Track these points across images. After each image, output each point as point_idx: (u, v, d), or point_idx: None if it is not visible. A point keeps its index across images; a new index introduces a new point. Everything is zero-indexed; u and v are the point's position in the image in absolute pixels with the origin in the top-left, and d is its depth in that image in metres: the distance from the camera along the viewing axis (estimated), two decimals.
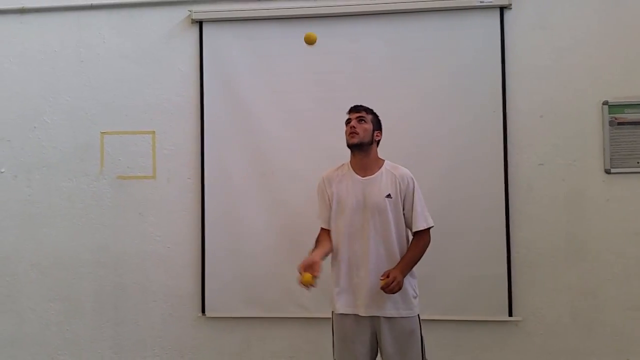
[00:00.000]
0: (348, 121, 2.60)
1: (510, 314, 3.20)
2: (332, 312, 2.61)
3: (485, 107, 3.23)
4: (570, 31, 3.24)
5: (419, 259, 2.55)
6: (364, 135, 2.54)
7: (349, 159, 2.66)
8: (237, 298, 3.38)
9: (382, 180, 2.54)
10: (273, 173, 3.37)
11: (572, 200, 3.22)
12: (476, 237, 3.21)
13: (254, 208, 3.37)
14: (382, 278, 2.42)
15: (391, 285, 2.38)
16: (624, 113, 3.18)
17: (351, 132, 2.55)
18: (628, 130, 3.17)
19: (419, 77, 3.27)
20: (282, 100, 3.35)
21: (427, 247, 2.58)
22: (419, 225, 2.53)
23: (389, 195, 2.51)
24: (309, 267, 2.35)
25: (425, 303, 3.20)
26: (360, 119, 2.56)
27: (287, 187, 3.32)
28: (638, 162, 3.17)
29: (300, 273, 2.34)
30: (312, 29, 3.30)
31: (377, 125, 2.63)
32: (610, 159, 3.18)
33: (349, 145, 2.59)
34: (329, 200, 2.62)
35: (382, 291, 2.42)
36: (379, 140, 2.64)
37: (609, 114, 3.19)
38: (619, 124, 3.18)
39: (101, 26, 3.55)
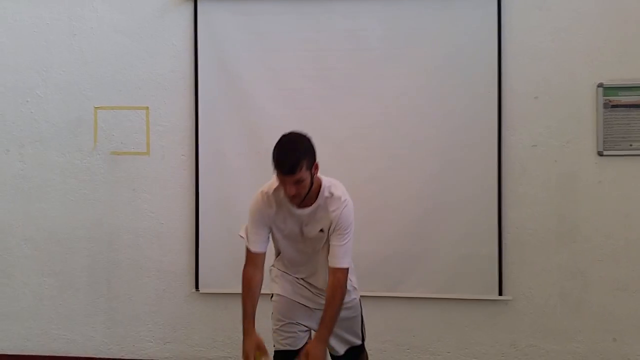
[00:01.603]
0: (282, 181, 2.19)
1: (501, 293, 3.24)
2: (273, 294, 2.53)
3: (480, 88, 3.22)
4: (567, 13, 3.22)
5: (338, 313, 2.28)
6: (304, 191, 2.20)
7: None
8: (230, 274, 3.39)
9: (317, 214, 2.29)
10: (267, 151, 3.30)
11: (564, 181, 3.24)
12: (468, 217, 3.23)
13: (247, 185, 3.35)
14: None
15: None
16: (619, 96, 3.18)
17: (291, 198, 2.21)
18: (622, 113, 3.18)
19: (415, 56, 3.25)
20: (277, 77, 3.33)
21: (344, 296, 2.30)
22: (345, 265, 2.27)
23: (321, 230, 2.30)
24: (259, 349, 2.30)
25: (417, 281, 3.26)
26: (297, 181, 2.15)
27: None
28: (631, 145, 3.18)
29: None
30: (308, 6, 3.31)
31: (312, 160, 2.22)
32: (603, 141, 3.19)
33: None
34: (269, 222, 2.35)
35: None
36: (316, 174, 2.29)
37: (604, 96, 3.19)
38: (613, 106, 3.19)
39: None
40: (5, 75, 3.54)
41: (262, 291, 2.46)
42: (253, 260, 2.40)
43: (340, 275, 2.28)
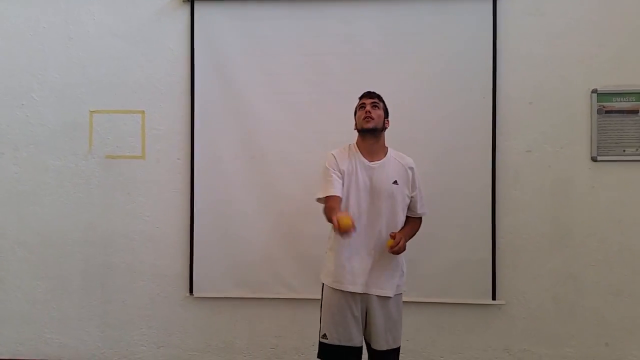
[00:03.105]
0: (362, 106, 2.64)
1: (494, 298, 3.26)
2: (324, 284, 2.64)
3: (476, 93, 3.24)
4: (562, 19, 3.25)
5: (411, 237, 2.69)
6: (378, 120, 2.61)
7: (355, 142, 2.68)
8: (224, 278, 3.40)
9: (390, 167, 2.61)
10: (263, 155, 3.37)
11: (558, 187, 3.26)
12: (462, 222, 3.24)
13: (243, 190, 3.38)
14: (391, 235, 2.51)
15: (398, 245, 2.47)
16: (612, 101, 3.21)
17: (366, 117, 2.60)
18: (616, 119, 3.21)
19: (411, 61, 3.27)
20: (274, 82, 3.34)
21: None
22: (425, 211, 2.72)
23: (395, 182, 2.59)
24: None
25: (411, 286, 3.25)
26: (375, 105, 2.63)
27: (277, 170, 3.32)
28: (624, 151, 3.20)
29: (338, 221, 2.30)
30: (305, 10, 3.33)
31: (386, 113, 2.70)
32: (597, 146, 3.22)
33: (362, 130, 2.63)
34: (342, 175, 2.59)
35: (381, 272, 2.54)
36: (386, 128, 2.69)
37: (598, 102, 3.21)
38: (607, 112, 3.21)
39: (91, 3, 3.50)
40: (1, 79, 3.53)
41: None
42: (334, 202, 2.52)
43: (419, 221, 2.75)
